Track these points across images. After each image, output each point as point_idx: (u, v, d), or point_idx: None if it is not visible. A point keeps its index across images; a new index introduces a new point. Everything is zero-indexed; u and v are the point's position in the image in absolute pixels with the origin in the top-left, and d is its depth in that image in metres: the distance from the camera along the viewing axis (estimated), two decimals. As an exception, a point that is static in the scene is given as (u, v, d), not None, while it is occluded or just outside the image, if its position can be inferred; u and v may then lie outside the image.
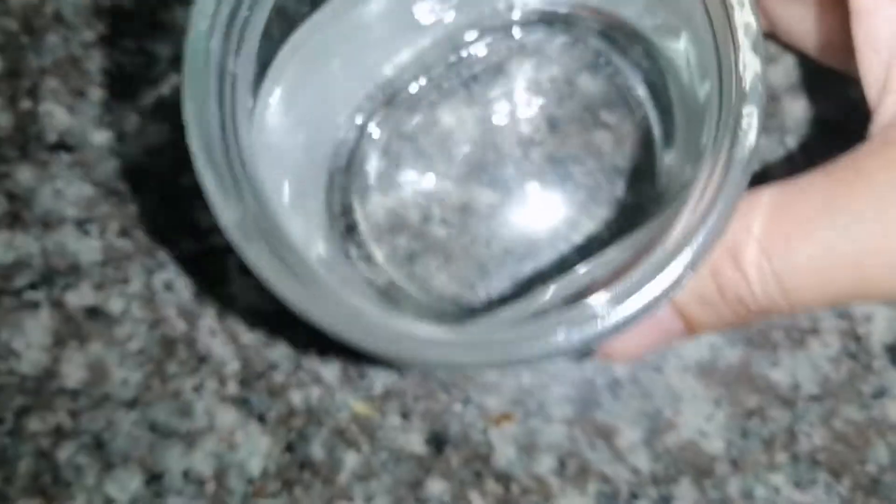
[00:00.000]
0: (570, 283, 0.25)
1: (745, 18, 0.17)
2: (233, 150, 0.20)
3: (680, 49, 0.23)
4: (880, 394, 0.29)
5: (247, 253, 0.19)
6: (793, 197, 0.17)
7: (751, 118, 0.17)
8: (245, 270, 0.31)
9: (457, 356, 0.18)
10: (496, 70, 0.29)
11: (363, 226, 0.30)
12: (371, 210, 0.30)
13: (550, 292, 0.21)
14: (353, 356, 0.30)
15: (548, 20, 0.29)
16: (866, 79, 0.18)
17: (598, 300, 0.16)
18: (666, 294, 0.16)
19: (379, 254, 0.30)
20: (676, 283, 0.16)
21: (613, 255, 0.25)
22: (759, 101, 0.17)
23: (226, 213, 0.19)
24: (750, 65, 0.17)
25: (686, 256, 0.16)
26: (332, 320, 0.19)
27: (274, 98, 0.24)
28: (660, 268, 0.16)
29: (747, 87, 0.17)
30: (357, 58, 0.28)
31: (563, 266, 0.29)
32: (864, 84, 0.18)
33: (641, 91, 0.28)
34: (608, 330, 0.16)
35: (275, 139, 0.25)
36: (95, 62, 0.31)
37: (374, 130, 0.29)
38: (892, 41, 0.17)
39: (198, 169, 0.19)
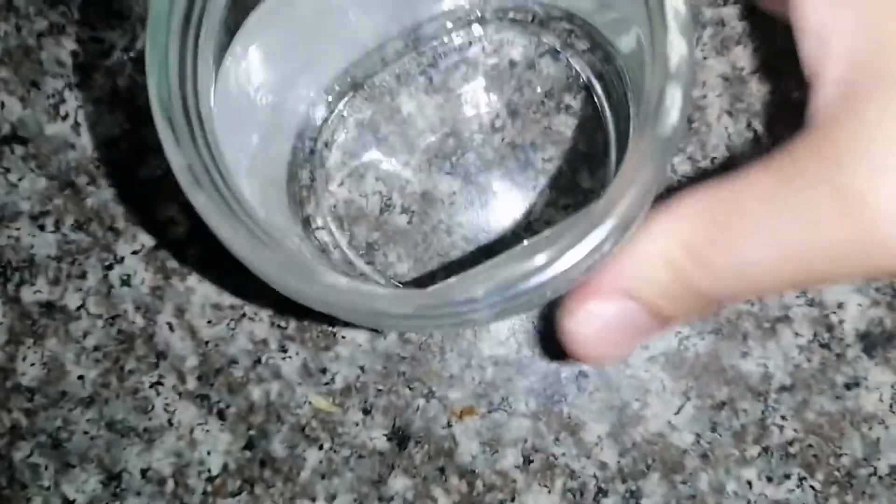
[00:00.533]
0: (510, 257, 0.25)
1: (675, 3, 0.17)
2: (190, 99, 0.19)
3: (633, 44, 0.22)
4: (854, 384, 0.28)
5: (194, 197, 0.19)
6: (739, 190, 0.17)
7: (674, 97, 0.17)
8: (204, 263, 0.30)
9: (380, 304, 0.18)
10: (457, 58, 0.28)
11: (324, 214, 0.29)
12: (332, 199, 0.29)
13: (490, 265, 0.21)
14: (313, 348, 0.30)
15: (510, 13, 0.28)
16: (803, 61, 0.18)
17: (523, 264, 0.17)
18: (589, 259, 0.16)
19: (341, 240, 0.29)
20: (598, 250, 0.16)
21: (556, 231, 0.24)
22: (683, 82, 0.17)
23: (177, 156, 0.18)
24: (677, 47, 0.17)
25: (607, 226, 0.16)
26: (271, 267, 0.18)
27: (243, 59, 0.24)
28: (581, 235, 0.16)
29: (672, 69, 0.17)
30: (326, 39, 0.27)
31: (526, 255, 0.28)
32: (803, 66, 0.18)
33: (597, 84, 0.27)
34: (530, 289, 0.16)
35: (240, 100, 0.24)
36: (49, 52, 0.31)
37: (335, 117, 0.29)
38: (823, 25, 0.17)
39: (154, 112, 0.19)
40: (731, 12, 0.28)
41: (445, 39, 0.28)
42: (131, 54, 0.30)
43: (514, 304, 0.17)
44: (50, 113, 0.31)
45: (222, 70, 0.22)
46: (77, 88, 0.31)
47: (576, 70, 0.28)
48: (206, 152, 0.18)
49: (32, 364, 0.30)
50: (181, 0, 0.18)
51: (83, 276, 0.30)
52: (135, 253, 0.30)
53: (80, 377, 0.30)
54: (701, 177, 0.28)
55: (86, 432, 0.30)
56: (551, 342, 0.29)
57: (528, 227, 0.28)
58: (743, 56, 0.28)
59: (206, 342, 0.30)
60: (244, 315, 0.30)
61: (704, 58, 0.28)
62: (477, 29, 0.28)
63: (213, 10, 0.20)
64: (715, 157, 0.28)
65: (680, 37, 0.17)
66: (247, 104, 0.25)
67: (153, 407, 0.30)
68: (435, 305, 0.17)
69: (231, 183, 0.18)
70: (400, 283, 0.28)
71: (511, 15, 0.28)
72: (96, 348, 0.30)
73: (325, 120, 0.29)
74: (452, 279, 0.19)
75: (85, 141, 0.31)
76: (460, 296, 0.17)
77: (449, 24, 0.28)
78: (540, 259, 0.16)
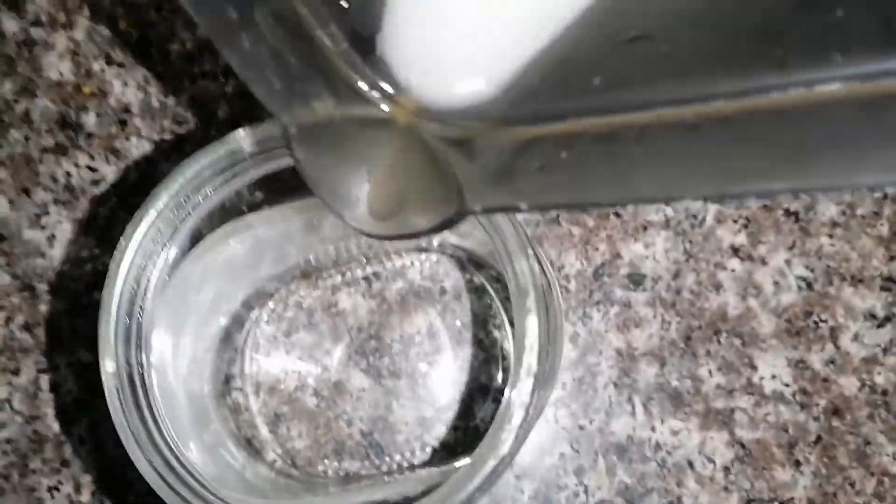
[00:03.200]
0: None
1: (529, 360, 0.21)
2: (137, 308, 0.23)
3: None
4: None
5: (112, 403, 0.22)
6: None
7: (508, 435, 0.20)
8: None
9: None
10: (397, 276, 0.32)
11: (244, 376, 0.32)
12: (256, 366, 0.32)
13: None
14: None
15: (451, 249, 0.32)
16: None
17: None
18: None
19: (253, 405, 0.32)
20: None
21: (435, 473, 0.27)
22: (516, 424, 0.20)
23: (108, 362, 0.22)
24: (521, 393, 0.20)
25: None
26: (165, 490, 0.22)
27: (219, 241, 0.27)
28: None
29: (512, 416, 0.20)
30: (296, 239, 0.31)
31: (409, 464, 0.31)
32: None
33: (508, 328, 0.31)
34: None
35: (187, 286, 0.28)
36: (47, 166, 0.34)
37: (281, 295, 0.32)
38: None
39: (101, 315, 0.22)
40: (638, 297, 0.32)
41: (393, 259, 0.32)
42: (117, 188, 0.34)
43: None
44: (32, 220, 0.34)
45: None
46: (62, 206, 0.34)
47: (495, 310, 0.32)
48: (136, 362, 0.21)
49: (-53, 440, 0.33)
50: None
51: (17, 372, 0.33)
52: (69, 365, 0.33)
53: (-13, 464, 0.33)
54: (580, 431, 0.32)
55: (-24, 516, 0.32)
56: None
57: (419, 438, 0.31)
58: (639, 338, 0.32)
59: (112, 459, 0.33)
60: (150, 447, 0.32)
61: (606, 331, 0.32)
62: (420, 256, 0.32)
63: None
64: (594, 420, 0.32)
65: (527, 390, 0.20)
66: (208, 270, 0.29)
67: (44, 509, 0.32)
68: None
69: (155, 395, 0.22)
70: (293, 459, 0.31)
71: (450, 251, 0.32)
72: (8, 441, 0.33)
73: (271, 295, 0.32)
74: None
75: (55, 253, 0.34)
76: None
77: (399, 246, 0.32)
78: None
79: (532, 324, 0.20)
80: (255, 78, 0.20)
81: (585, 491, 0.31)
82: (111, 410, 0.22)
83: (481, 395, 0.32)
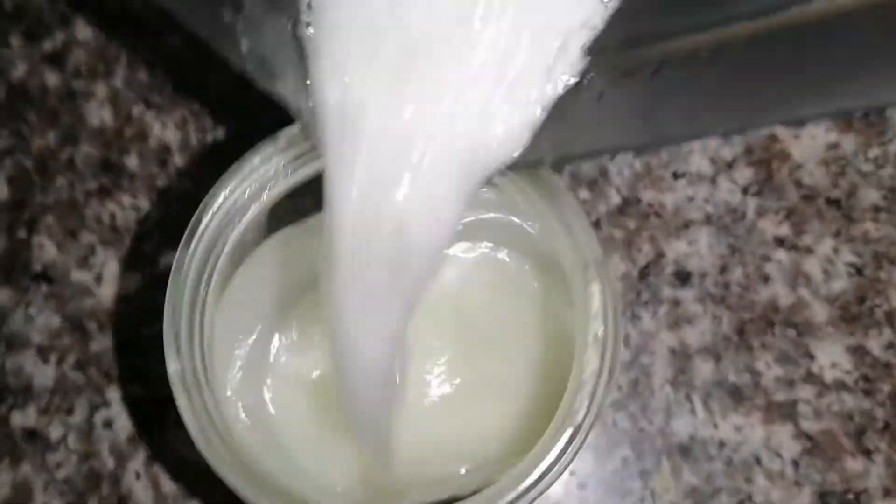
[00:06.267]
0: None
1: (595, 327, 0.20)
2: (197, 317, 0.23)
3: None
4: None
5: (179, 401, 0.22)
6: None
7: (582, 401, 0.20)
8: (180, 424, 0.33)
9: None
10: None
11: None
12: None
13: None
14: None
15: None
16: None
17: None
18: None
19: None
20: None
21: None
22: (588, 390, 0.20)
23: (172, 362, 0.22)
24: (590, 363, 0.20)
25: None
26: (234, 478, 0.21)
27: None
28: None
29: (585, 389, 0.20)
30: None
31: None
32: None
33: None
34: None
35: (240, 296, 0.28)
36: (92, 209, 0.35)
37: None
38: None
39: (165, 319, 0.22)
40: (687, 295, 0.32)
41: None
42: (161, 226, 0.35)
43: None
44: (79, 261, 0.34)
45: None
46: (108, 246, 0.35)
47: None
48: (199, 360, 0.21)
49: (2, 484, 0.33)
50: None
51: (71, 411, 0.33)
52: (122, 401, 0.33)
53: (44, 505, 0.32)
54: (640, 433, 0.31)
55: (35, 560, 0.32)
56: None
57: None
58: (691, 335, 0.32)
59: (167, 496, 0.32)
60: (206, 479, 0.32)
61: (657, 330, 0.32)
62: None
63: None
64: (653, 421, 0.31)
65: (595, 356, 0.20)
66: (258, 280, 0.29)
67: (103, 548, 0.32)
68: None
69: (213, 387, 0.21)
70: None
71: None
72: (65, 481, 0.33)
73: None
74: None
75: (103, 292, 0.34)
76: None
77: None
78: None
79: (595, 290, 0.20)
80: (260, 71, 0.20)
81: (652, 494, 0.31)
82: (179, 407, 0.22)
83: (536, 403, 0.31)
